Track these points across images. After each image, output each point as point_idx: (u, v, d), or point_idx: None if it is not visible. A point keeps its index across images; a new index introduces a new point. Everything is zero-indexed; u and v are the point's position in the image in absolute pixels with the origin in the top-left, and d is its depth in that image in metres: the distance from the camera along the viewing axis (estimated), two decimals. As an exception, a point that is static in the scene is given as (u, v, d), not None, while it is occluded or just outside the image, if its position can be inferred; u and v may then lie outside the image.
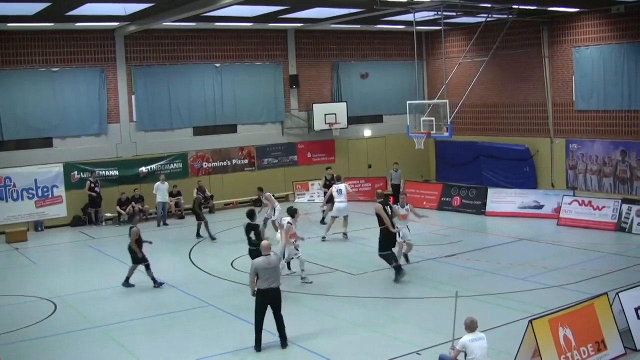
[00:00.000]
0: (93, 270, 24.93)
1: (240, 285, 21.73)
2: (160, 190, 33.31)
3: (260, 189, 29.44)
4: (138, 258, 21.96)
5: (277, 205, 27.41)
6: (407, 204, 23.63)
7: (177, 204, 35.04)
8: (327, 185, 32.03)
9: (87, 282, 23.08)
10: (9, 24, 30.54)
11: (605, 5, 32.68)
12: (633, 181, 32.94)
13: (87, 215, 33.60)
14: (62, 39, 33.22)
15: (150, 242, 23.13)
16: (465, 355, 12.62)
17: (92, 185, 33.28)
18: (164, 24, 32.54)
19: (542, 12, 34.54)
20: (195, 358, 15.72)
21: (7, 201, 32.04)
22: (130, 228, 22.05)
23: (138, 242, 21.97)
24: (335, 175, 31.41)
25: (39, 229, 32.57)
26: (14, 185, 32.25)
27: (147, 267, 22.06)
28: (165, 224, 33.26)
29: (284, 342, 16.24)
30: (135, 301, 20.60)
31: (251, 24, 35.49)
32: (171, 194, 34.52)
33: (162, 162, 35.99)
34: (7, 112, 32.31)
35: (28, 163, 32.65)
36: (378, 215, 22.00)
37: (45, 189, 32.98)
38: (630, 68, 32.65)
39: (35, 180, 32.74)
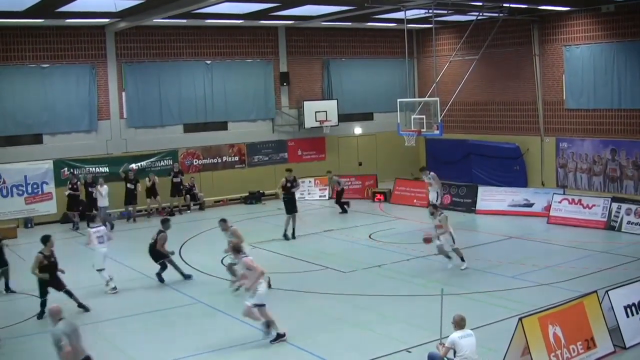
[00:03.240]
0: (83, 268, 24.79)
1: (231, 282, 21.79)
2: (100, 194, 32.19)
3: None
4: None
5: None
6: None
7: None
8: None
9: (77, 280, 22.93)
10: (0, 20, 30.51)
11: (596, 4, 32.74)
12: (623, 180, 33.04)
13: (75, 214, 32.52)
14: (53, 35, 33.15)
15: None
16: (454, 352, 12.64)
17: (74, 185, 32.47)
18: (154, 20, 32.47)
19: (533, 10, 34.60)
20: (185, 355, 15.73)
21: (-7, 196, 32.05)
22: (159, 232, 22.20)
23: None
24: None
25: (29, 225, 32.45)
26: (4, 182, 32.18)
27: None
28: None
29: None
30: (125, 299, 20.57)
31: (242, 21, 35.45)
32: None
33: (152, 159, 35.95)
34: (-3, 108, 32.32)
35: (18, 159, 32.59)
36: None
37: (35, 186, 32.92)
38: (620, 67, 32.74)
39: (25, 176, 32.68)
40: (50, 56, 33.28)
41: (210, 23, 35.80)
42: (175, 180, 35.23)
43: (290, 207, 28.40)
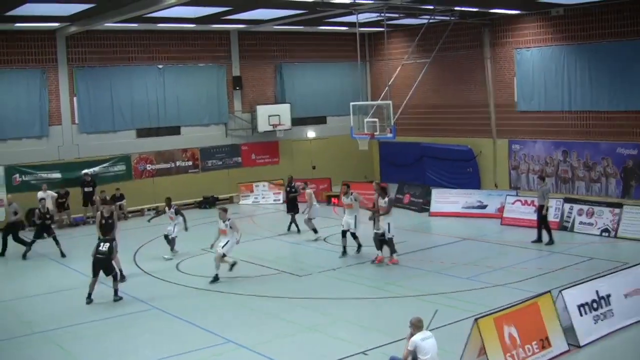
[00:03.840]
0: (34, 275, 24.58)
1: (186, 287, 21.71)
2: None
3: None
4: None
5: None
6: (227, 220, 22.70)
7: (120, 207, 34.75)
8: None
9: (28, 287, 22.76)
10: (-53, 25, 30.08)
11: (545, 8, 33.09)
12: (574, 181, 33.42)
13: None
14: (2, 39, 32.70)
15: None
16: (415, 355, 12.54)
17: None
18: (106, 25, 32.20)
19: (484, 14, 34.88)
20: (140, 361, 15.62)
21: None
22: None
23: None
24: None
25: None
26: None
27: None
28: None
29: None
30: (78, 305, 20.30)
31: (194, 25, 35.30)
32: (114, 197, 34.08)
33: (105, 165, 35.65)
34: (-54, 114, 31.81)
35: (-33, 166, 32.06)
36: None
37: (-15, 193, 32.44)
38: (570, 69, 33.14)
39: (-25, 183, 32.17)
40: (0, 61, 32.86)
41: (162, 27, 35.58)
42: (86, 190, 34.31)
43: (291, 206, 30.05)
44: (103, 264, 20.58)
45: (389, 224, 23.47)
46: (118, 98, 36.03)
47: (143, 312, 19.57)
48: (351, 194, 25.16)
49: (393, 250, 23.70)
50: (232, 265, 22.65)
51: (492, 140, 37.13)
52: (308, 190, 28.93)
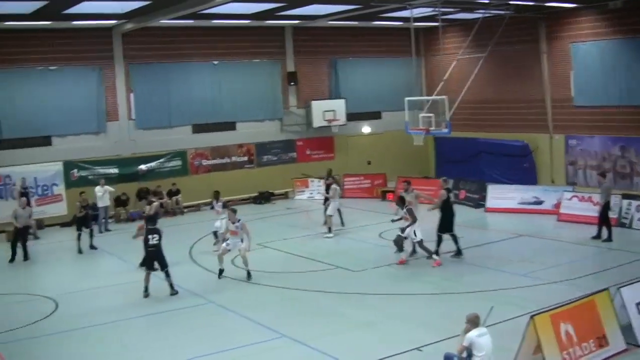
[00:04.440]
0: (93, 268, 24.94)
1: (241, 282, 21.85)
2: (100, 194, 31.83)
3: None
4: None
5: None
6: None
7: (177, 202, 35.07)
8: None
9: (88, 280, 23.07)
10: (6, 23, 30.49)
11: (603, 1, 32.63)
12: (633, 176, 32.91)
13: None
14: (59, 37, 33.15)
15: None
16: (470, 352, 12.49)
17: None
18: (161, 21, 32.47)
19: (540, 7, 34.48)
20: (196, 355, 15.69)
21: (7, 200, 31.55)
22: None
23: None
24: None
25: (39, 227, 32.36)
26: (14, 184, 32.01)
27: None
28: (107, 229, 31.94)
29: None
30: (136, 299, 20.54)
31: (249, 21, 35.47)
32: (170, 192, 34.49)
33: (161, 160, 36.02)
34: (6, 111, 32.34)
35: (28, 162, 32.53)
36: None
37: (45, 188, 32.83)
38: (628, 63, 32.59)
39: (35, 178, 32.54)
40: (58, 58, 33.35)
41: (217, 24, 35.79)
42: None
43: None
44: (156, 256, 20.80)
45: (414, 231, 23.30)
46: (174, 94, 36.35)
47: (199, 306, 19.74)
48: (412, 191, 24.97)
49: (401, 250, 23.73)
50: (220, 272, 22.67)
51: (548, 136, 36.74)
52: (334, 186, 28.83)
